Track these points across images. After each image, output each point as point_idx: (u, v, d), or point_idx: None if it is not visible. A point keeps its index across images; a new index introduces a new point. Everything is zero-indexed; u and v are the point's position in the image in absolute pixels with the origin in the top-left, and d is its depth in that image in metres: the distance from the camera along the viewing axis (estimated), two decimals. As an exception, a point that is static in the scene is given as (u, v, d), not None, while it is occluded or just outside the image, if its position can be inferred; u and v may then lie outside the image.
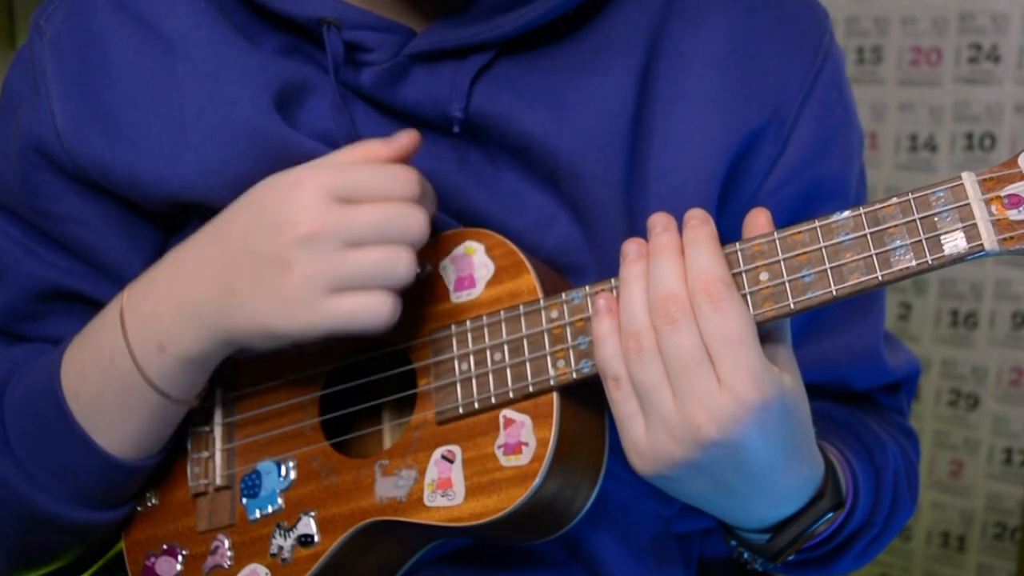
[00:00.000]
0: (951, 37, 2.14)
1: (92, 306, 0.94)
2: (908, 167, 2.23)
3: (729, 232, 0.89)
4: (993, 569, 2.21)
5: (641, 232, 0.87)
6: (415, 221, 0.78)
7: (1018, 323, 2.12)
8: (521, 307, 0.82)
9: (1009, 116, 2.09)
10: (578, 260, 0.88)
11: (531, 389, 0.80)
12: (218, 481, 0.89)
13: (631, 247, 0.77)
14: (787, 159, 0.89)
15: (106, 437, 0.86)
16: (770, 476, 0.77)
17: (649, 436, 0.74)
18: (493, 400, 0.81)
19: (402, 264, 0.77)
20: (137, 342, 0.83)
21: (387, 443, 0.92)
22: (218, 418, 0.91)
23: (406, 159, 0.81)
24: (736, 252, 0.75)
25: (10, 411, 0.89)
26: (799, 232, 0.74)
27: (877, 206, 0.72)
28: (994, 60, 2.09)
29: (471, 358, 0.83)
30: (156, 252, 0.94)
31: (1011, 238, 0.69)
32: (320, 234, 0.77)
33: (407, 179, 0.79)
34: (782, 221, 0.78)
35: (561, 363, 0.80)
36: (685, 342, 0.72)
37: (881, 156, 2.25)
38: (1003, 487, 2.18)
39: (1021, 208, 0.69)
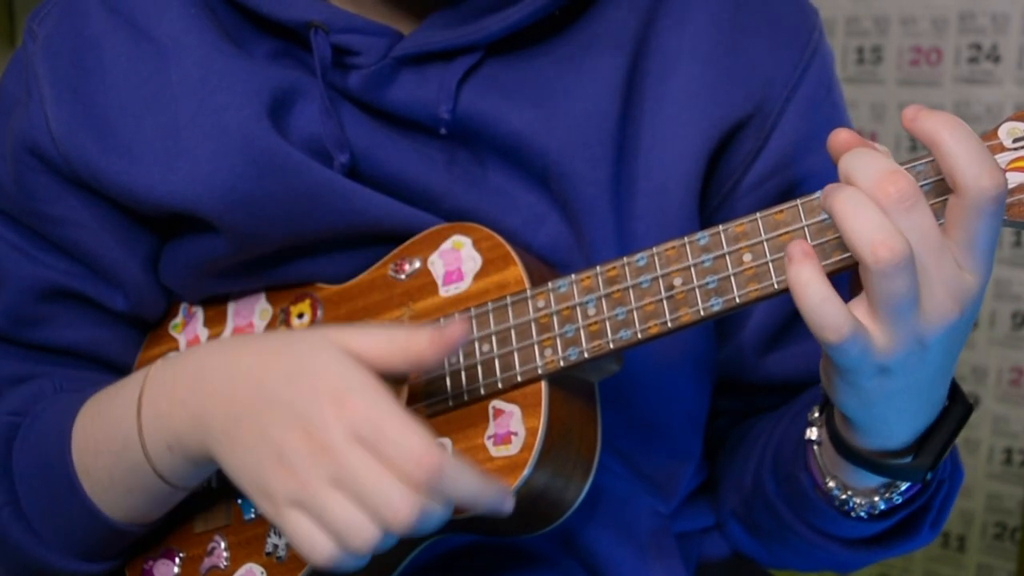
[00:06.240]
0: (951, 37, 2.14)
1: (93, 307, 0.94)
2: (908, 167, 2.23)
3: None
4: (993, 569, 2.20)
5: (628, 231, 0.87)
6: (399, 511, 0.71)
7: (1018, 323, 2.11)
8: (508, 297, 0.82)
9: (1009, 116, 2.09)
10: (568, 259, 0.88)
11: (519, 379, 0.80)
12: (213, 482, 0.89)
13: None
14: (768, 154, 0.89)
15: (113, 509, 0.86)
16: (951, 366, 0.73)
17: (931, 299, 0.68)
18: (482, 391, 0.81)
19: (360, 538, 0.72)
20: (150, 436, 0.82)
21: (378, 437, 0.92)
22: None
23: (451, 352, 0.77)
24: (719, 233, 0.75)
25: (19, 473, 0.89)
26: (781, 211, 0.74)
27: None
28: (994, 60, 2.09)
29: (460, 350, 0.82)
30: (152, 256, 0.94)
31: None
32: (318, 457, 0.73)
33: (421, 463, 0.71)
34: None
35: (548, 351, 0.79)
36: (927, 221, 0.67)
37: (881, 157, 2.25)
38: (1003, 487, 2.17)
39: None
